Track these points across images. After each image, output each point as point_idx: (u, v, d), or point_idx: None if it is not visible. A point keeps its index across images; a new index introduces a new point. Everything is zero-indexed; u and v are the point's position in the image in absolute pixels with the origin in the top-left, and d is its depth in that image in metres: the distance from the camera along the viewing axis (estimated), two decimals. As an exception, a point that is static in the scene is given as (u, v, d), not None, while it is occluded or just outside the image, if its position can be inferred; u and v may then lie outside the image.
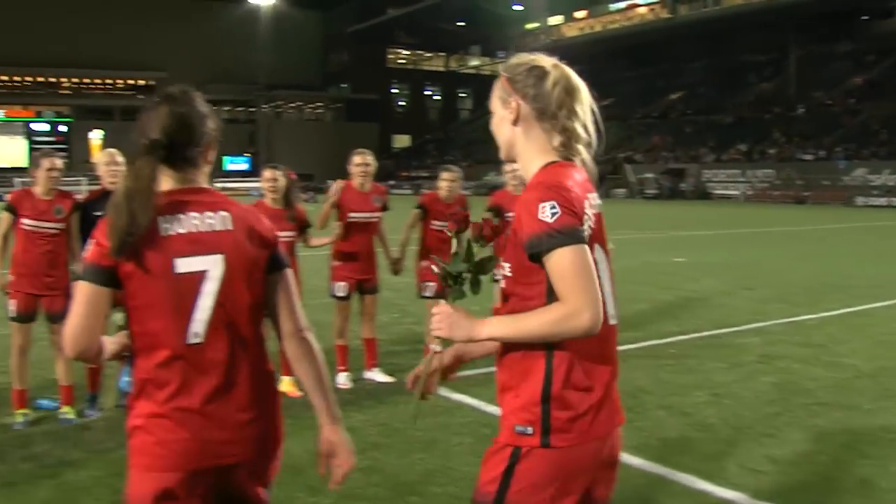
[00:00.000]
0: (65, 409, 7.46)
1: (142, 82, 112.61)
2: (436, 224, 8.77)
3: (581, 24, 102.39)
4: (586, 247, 2.63)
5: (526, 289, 2.76)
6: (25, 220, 7.16)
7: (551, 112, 2.84)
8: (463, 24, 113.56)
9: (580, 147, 2.88)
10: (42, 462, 6.32)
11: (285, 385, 8.04)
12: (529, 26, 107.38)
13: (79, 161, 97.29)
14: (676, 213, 47.05)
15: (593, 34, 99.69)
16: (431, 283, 8.60)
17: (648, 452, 6.49)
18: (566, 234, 2.60)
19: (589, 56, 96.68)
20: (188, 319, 2.80)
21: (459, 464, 6.14)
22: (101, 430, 7.14)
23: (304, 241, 8.34)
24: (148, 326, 2.80)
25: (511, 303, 2.83)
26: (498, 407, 2.89)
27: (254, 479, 2.96)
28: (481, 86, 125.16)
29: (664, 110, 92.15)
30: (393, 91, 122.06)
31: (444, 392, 7.99)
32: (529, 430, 2.71)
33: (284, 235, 7.87)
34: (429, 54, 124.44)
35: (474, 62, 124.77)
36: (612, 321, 2.90)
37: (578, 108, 2.87)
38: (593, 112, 2.92)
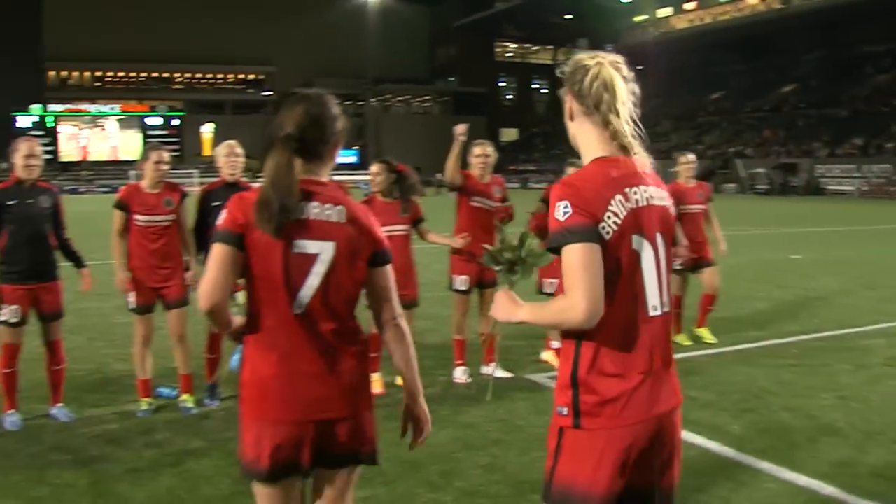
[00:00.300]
0: (184, 397, 7.60)
1: (252, 77, 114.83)
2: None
3: (690, 15, 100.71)
4: (594, 245, 2.81)
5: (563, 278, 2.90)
6: (137, 217, 7.27)
7: (593, 107, 3.00)
8: (570, 16, 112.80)
9: (630, 141, 3.00)
10: (164, 450, 6.44)
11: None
12: (637, 18, 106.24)
13: (191, 154, 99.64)
14: (789, 209, 45.93)
15: (703, 26, 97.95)
16: (553, 280, 8.41)
17: (775, 456, 6.28)
18: (574, 232, 2.81)
19: (698, 48, 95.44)
20: (296, 293, 3.22)
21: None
22: (220, 419, 7.24)
23: (418, 234, 8.21)
24: (262, 294, 3.25)
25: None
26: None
27: (354, 439, 3.35)
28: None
29: (776, 104, 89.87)
30: (500, 84, 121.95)
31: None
32: (565, 410, 2.96)
33: (398, 230, 7.82)
34: (536, 47, 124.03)
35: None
36: (654, 312, 3.00)
37: (619, 104, 2.99)
38: (633, 107, 3.04)
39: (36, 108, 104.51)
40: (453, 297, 8.54)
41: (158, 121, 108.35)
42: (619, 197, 2.90)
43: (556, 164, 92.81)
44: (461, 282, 8.37)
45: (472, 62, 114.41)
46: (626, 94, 3.01)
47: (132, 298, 7.34)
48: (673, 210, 3.14)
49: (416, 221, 8.07)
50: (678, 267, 9.31)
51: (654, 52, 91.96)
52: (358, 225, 3.31)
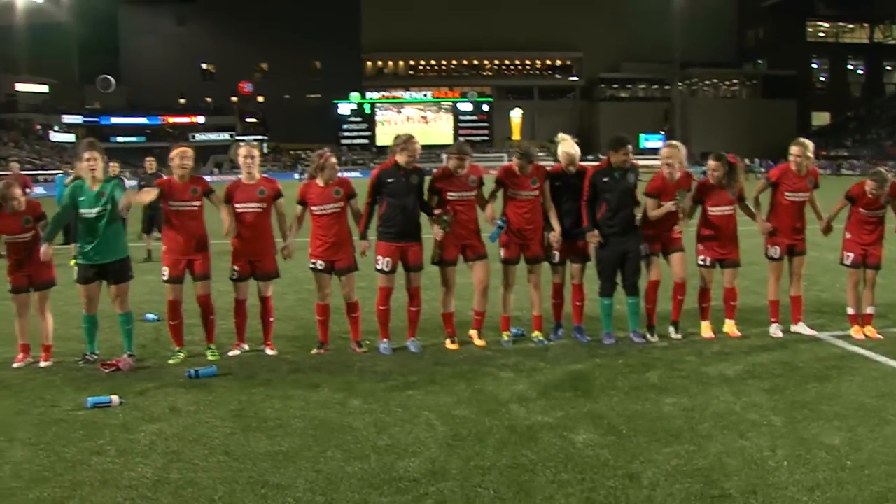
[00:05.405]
0: (535, 333, 9.78)
1: (559, 62, 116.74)
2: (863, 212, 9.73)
3: None
4: None
5: None
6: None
7: None
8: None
9: None
10: (518, 368, 8.62)
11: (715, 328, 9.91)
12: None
13: (500, 138, 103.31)
14: None
15: None
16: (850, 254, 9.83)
17: None
18: None
19: None
20: None
21: (846, 392, 7.53)
22: (559, 348, 9.42)
23: (742, 209, 9.92)
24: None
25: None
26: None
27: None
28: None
29: None
30: (812, 66, 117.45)
31: (840, 343, 9.31)
32: None
33: (728, 209, 9.73)
34: (851, 25, 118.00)
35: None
36: None
37: None
38: None
39: (355, 95, 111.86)
40: (769, 265, 10.08)
41: (468, 106, 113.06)
42: None
43: (872, 150, 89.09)
44: (776, 251, 9.92)
45: (782, 43, 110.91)
46: None
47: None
48: None
49: (740, 198, 9.80)
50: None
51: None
52: None
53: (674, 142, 10.09)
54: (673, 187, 9.56)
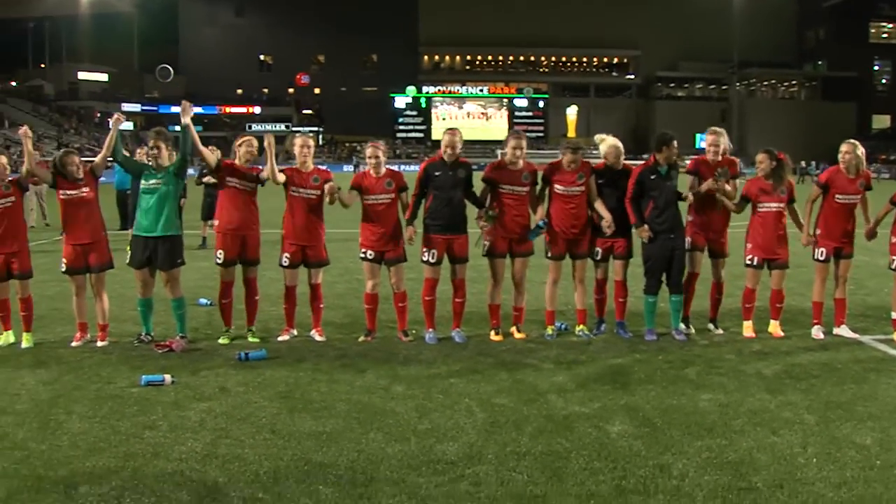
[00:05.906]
0: (580, 326, 9.97)
1: (616, 60, 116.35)
2: None
3: None
4: None
5: None
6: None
7: None
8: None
9: None
10: (558, 360, 8.82)
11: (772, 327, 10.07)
12: None
13: (555, 135, 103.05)
14: None
15: None
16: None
17: None
18: None
19: None
20: None
21: (883, 395, 7.62)
22: (601, 343, 9.60)
23: (790, 214, 9.98)
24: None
25: None
26: None
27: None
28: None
29: None
30: (874, 67, 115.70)
31: (882, 347, 9.42)
32: None
33: (776, 206, 9.76)
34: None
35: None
36: None
37: None
38: None
39: (411, 89, 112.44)
40: (815, 266, 10.08)
41: (524, 102, 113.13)
42: None
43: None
44: (821, 253, 9.94)
45: (842, 44, 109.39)
46: None
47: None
48: None
49: (790, 200, 9.85)
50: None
51: None
52: None
53: (715, 127, 10.24)
54: (713, 167, 9.74)
